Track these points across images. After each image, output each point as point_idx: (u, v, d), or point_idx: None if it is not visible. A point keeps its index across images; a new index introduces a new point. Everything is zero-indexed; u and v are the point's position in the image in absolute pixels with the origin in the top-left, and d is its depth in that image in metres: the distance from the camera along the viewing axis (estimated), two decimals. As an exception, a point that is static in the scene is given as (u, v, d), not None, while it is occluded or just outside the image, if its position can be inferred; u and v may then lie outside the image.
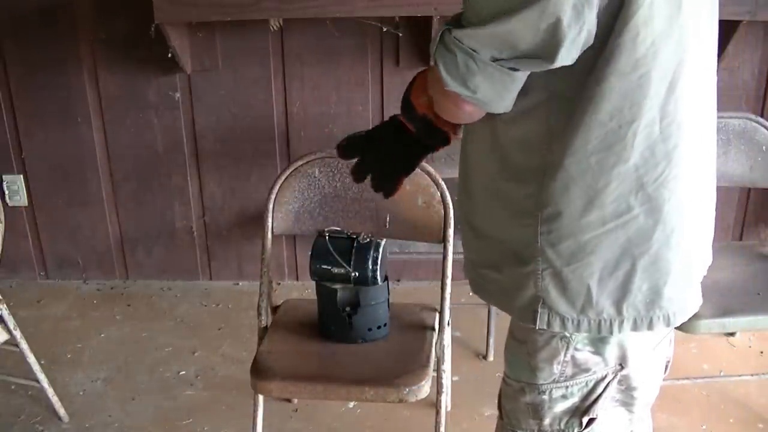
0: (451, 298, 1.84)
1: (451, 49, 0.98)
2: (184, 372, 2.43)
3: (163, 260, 2.95)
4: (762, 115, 2.32)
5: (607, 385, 1.19)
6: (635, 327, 1.11)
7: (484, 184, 1.16)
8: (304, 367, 1.74)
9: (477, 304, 1.97)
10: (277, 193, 1.90)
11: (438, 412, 1.78)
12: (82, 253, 2.95)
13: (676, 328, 1.22)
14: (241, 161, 2.78)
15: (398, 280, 2.89)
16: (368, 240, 1.78)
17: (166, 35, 2.40)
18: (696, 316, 1.76)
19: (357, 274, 1.76)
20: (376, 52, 2.61)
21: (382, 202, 1.89)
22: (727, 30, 2.30)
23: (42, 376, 2.13)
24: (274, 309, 1.94)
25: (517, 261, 1.12)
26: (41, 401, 2.22)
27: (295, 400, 2.24)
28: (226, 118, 2.73)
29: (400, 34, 2.54)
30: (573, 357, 1.17)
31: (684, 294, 1.13)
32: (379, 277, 1.78)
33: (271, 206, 1.90)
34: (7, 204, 2.83)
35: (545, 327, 1.12)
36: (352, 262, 1.76)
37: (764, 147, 2.14)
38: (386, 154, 1.22)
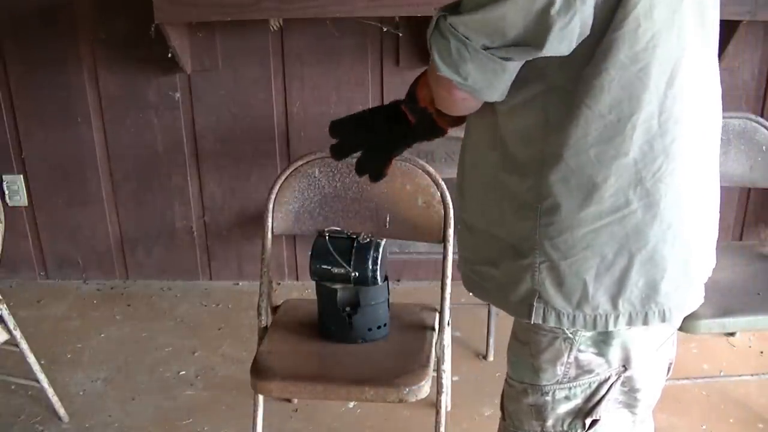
0: (451, 298, 1.84)
1: (445, 36, 1.00)
2: (184, 372, 2.43)
3: (163, 260, 2.95)
4: (762, 115, 2.33)
5: (611, 386, 1.19)
6: (630, 322, 1.11)
7: (484, 178, 1.16)
8: (304, 367, 1.74)
9: (477, 304, 1.97)
10: (277, 193, 1.90)
11: (438, 412, 1.78)
12: (82, 253, 2.95)
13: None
14: (241, 161, 2.78)
15: (398, 280, 2.89)
16: (368, 240, 1.78)
17: (166, 35, 2.40)
18: (696, 316, 1.78)
19: (357, 274, 1.76)
20: (376, 52, 2.61)
21: (383, 202, 1.90)
22: (727, 30, 2.29)
23: (42, 376, 2.13)
24: (274, 309, 1.94)
25: (515, 254, 1.12)
26: (41, 401, 2.22)
27: (295, 400, 2.24)
28: (226, 118, 2.73)
29: (400, 34, 2.54)
30: (576, 358, 1.17)
31: (681, 290, 1.13)
32: (379, 277, 1.78)
33: (271, 206, 1.90)
34: (7, 204, 2.83)
35: (540, 321, 1.12)
36: (352, 262, 1.76)
37: (764, 147, 2.14)
38: (378, 134, 1.24)
